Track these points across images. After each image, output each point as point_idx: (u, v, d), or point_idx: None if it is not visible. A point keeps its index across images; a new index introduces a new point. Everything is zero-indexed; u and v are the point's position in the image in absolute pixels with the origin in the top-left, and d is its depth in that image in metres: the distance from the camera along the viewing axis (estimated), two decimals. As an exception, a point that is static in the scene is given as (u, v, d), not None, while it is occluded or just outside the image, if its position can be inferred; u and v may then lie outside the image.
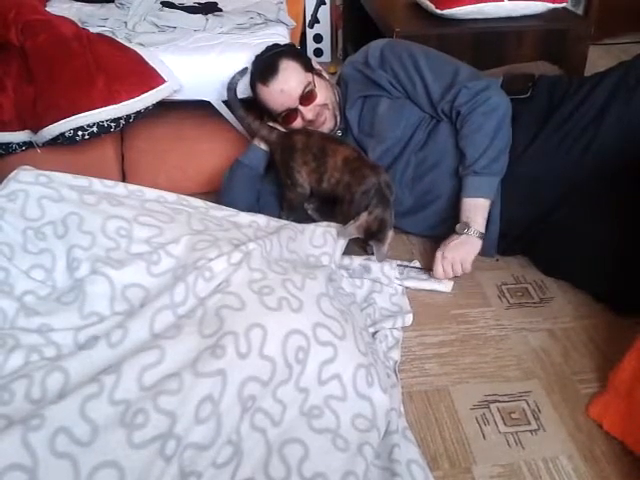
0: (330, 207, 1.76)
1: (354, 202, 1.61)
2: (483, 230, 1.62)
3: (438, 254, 1.63)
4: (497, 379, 1.38)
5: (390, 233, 1.61)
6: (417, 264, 1.73)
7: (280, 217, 1.76)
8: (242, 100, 1.89)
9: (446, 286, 1.66)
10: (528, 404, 1.32)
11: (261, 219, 1.54)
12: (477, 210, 1.62)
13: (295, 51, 1.89)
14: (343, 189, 1.66)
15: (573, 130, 1.60)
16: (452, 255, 1.61)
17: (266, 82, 1.77)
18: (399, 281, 1.65)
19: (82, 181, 1.35)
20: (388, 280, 1.64)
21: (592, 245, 1.54)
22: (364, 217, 1.56)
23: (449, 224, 1.71)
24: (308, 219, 1.86)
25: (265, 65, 1.79)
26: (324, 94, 1.80)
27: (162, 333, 1.09)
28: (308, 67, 1.80)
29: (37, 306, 1.13)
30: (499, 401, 1.33)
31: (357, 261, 1.67)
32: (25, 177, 1.29)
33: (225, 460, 1.01)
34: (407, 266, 1.72)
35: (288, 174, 1.74)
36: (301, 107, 1.77)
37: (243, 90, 1.92)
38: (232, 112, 1.93)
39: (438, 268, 1.63)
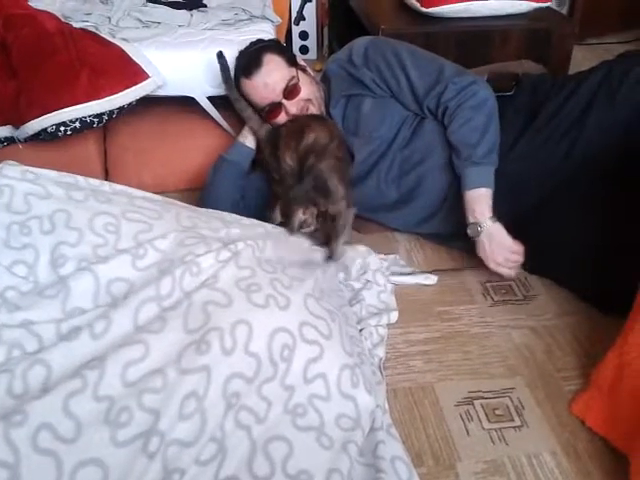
0: None
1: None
2: (492, 214, 1.56)
3: (491, 267, 1.58)
4: (481, 376, 1.39)
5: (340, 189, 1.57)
6: (400, 260, 1.73)
7: (267, 214, 1.76)
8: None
9: (431, 279, 1.67)
10: (512, 401, 1.32)
11: (247, 221, 1.52)
12: (481, 200, 1.57)
13: (279, 46, 1.89)
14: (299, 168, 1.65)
15: (557, 130, 1.61)
16: (496, 256, 1.56)
17: (250, 76, 1.76)
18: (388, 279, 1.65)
19: (68, 179, 1.34)
20: (383, 279, 1.63)
21: (576, 243, 1.55)
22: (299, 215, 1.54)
23: (436, 221, 1.72)
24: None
25: (249, 59, 1.79)
26: (308, 89, 1.80)
27: (146, 326, 1.08)
28: (292, 62, 1.80)
29: (19, 301, 1.11)
30: (483, 398, 1.33)
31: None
32: (11, 172, 1.27)
33: (209, 457, 1.01)
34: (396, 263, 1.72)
35: (275, 167, 1.72)
36: (285, 101, 1.76)
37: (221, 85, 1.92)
38: (229, 96, 1.91)
39: (506, 272, 1.58)
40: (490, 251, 1.56)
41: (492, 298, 1.62)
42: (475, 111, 1.62)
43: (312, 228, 1.55)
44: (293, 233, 1.53)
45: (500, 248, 1.55)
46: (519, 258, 1.57)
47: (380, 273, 1.62)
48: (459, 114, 1.62)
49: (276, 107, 1.77)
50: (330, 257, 1.55)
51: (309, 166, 1.60)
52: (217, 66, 1.85)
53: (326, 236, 1.56)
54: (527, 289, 1.65)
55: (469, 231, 1.58)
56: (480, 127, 1.61)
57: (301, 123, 1.71)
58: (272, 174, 1.74)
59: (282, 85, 1.75)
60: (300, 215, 1.52)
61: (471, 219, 1.57)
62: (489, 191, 1.58)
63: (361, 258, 1.66)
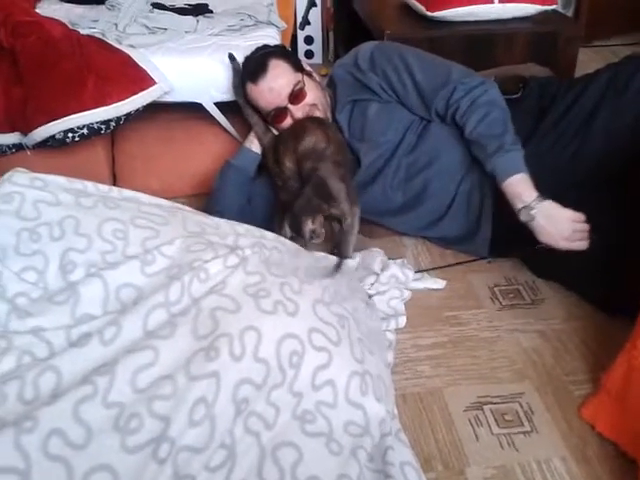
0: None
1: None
2: (538, 193, 1.50)
3: (563, 246, 1.48)
4: (490, 380, 1.39)
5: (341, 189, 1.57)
6: (407, 264, 1.73)
7: (275, 228, 1.76)
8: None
9: (439, 284, 1.67)
10: (521, 406, 1.32)
11: (256, 231, 1.52)
12: (523, 184, 1.52)
13: (285, 51, 1.90)
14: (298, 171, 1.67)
15: (564, 132, 1.61)
16: (563, 232, 1.48)
17: (256, 81, 1.77)
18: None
19: (77, 185, 1.34)
20: (405, 279, 1.63)
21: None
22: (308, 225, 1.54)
23: (443, 224, 1.72)
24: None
25: (255, 64, 1.80)
26: (314, 94, 1.80)
27: (156, 331, 1.08)
28: (298, 67, 1.81)
29: (29, 308, 1.12)
30: (492, 403, 1.33)
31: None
32: (20, 179, 1.27)
33: (219, 463, 1.01)
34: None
35: (278, 173, 1.73)
36: (290, 106, 1.77)
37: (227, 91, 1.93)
38: (238, 101, 1.92)
39: (580, 245, 1.48)
40: (554, 230, 1.48)
41: (500, 302, 1.62)
42: (491, 106, 1.61)
43: (322, 238, 1.55)
44: (307, 246, 1.53)
45: (562, 222, 1.48)
46: (585, 226, 1.48)
47: (396, 280, 1.62)
48: (475, 111, 1.61)
49: (282, 112, 1.78)
50: (341, 260, 1.54)
51: (307, 171, 1.61)
52: (224, 72, 1.86)
53: (335, 239, 1.56)
54: (535, 293, 1.65)
55: (522, 217, 1.51)
56: (500, 119, 1.60)
57: (299, 126, 1.72)
58: (276, 181, 1.75)
59: (288, 90, 1.75)
60: (310, 225, 1.53)
61: (519, 204, 1.51)
62: (526, 175, 1.53)
63: (380, 259, 1.67)
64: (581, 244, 1.48)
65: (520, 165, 1.55)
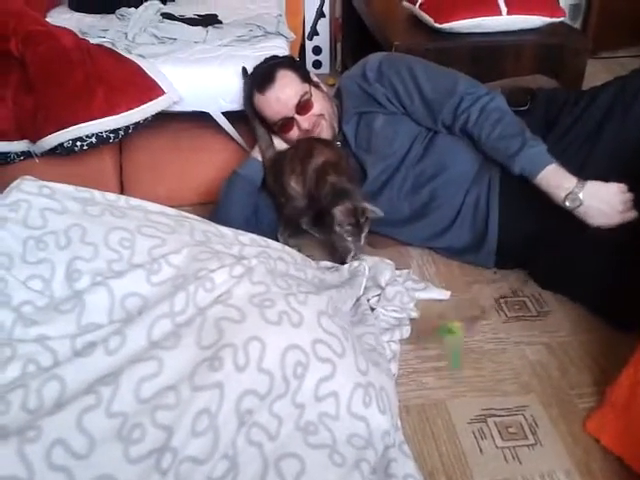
0: (324, 219, 1.76)
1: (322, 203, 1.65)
2: (576, 178, 1.49)
3: (619, 221, 1.47)
4: (494, 393, 1.38)
5: (367, 205, 1.62)
6: (412, 275, 1.72)
7: (278, 233, 1.80)
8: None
9: (444, 294, 1.66)
10: (525, 418, 1.31)
11: (261, 240, 1.53)
12: (558, 173, 1.51)
13: (293, 62, 1.91)
14: (316, 189, 1.69)
15: (571, 144, 1.60)
16: (616, 206, 1.47)
17: (263, 90, 1.78)
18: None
19: (84, 194, 1.35)
20: (409, 299, 1.62)
21: (590, 259, 1.54)
22: (336, 210, 1.59)
23: (449, 235, 1.72)
24: (304, 234, 1.87)
25: (263, 74, 1.81)
26: (321, 104, 1.81)
27: (160, 342, 1.08)
28: (305, 78, 1.82)
29: (35, 316, 1.12)
30: (496, 415, 1.32)
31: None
32: (28, 187, 1.28)
33: (221, 474, 1.01)
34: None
35: (281, 191, 1.75)
36: (297, 116, 1.78)
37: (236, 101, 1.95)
38: (246, 110, 1.93)
39: (633, 214, 1.47)
40: (605, 208, 1.47)
41: (505, 314, 1.62)
42: (501, 112, 1.62)
43: (348, 228, 1.61)
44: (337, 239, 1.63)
45: (612, 196, 1.47)
46: (630, 195, 1.47)
47: (401, 296, 1.62)
48: (487, 117, 1.62)
49: (288, 122, 1.79)
50: (354, 256, 1.62)
51: (328, 183, 1.64)
52: (232, 82, 1.88)
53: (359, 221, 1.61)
54: (541, 305, 1.64)
55: (570, 205, 1.49)
56: (515, 122, 1.60)
57: (306, 148, 1.74)
58: (279, 198, 1.77)
59: (295, 100, 1.76)
60: (339, 214, 1.59)
61: (562, 192, 1.49)
62: (557, 164, 1.52)
63: (390, 273, 1.67)
64: (632, 214, 1.48)
65: (548, 157, 1.53)
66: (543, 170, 1.52)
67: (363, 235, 1.65)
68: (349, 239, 1.65)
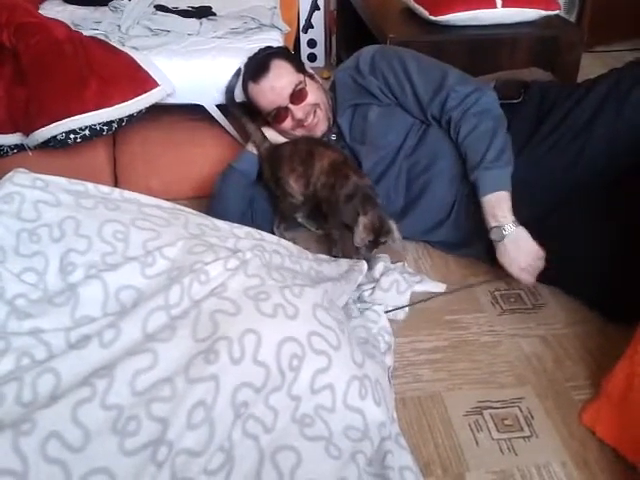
0: (320, 213, 1.76)
1: (339, 206, 1.63)
2: (514, 217, 1.53)
3: (514, 273, 1.54)
4: (490, 385, 1.38)
5: (394, 226, 1.61)
6: (407, 268, 1.72)
7: (274, 226, 1.80)
8: (240, 104, 1.91)
9: (439, 287, 1.67)
10: (521, 410, 1.32)
11: (256, 233, 1.52)
12: (501, 204, 1.55)
13: (287, 52, 1.91)
14: (328, 191, 1.67)
15: (564, 137, 1.60)
16: (520, 261, 1.53)
17: (257, 80, 1.78)
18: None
19: (78, 186, 1.34)
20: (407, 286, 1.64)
21: (584, 252, 1.54)
22: (362, 220, 1.56)
23: (444, 228, 1.72)
24: (300, 227, 1.87)
25: (257, 64, 1.81)
26: (315, 94, 1.81)
27: (155, 334, 1.08)
28: (300, 68, 1.82)
29: (29, 309, 1.11)
30: (492, 407, 1.32)
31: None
32: (21, 180, 1.27)
33: (217, 467, 1.00)
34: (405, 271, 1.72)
35: (278, 186, 1.75)
36: (291, 106, 1.77)
37: (239, 94, 1.93)
38: (230, 110, 1.93)
39: (528, 279, 1.55)
40: (514, 256, 1.53)
41: (501, 307, 1.62)
42: (480, 117, 1.62)
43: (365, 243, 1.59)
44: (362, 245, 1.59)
45: (525, 253, 1.53)
46: (542, 264, 1.54)
47: (397, 285, 1.62)
48: (464, 123, 1.63)
49: (282, 111, 1.78)
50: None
51: (351, 181, 1.64)
52: (226, 74, 1.87)
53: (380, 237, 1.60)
54: (536, 298, 1.65)
55: (492, 235, 1.55)
56: (488, 132, 1.61)
57: (307, 150, 1.73)
58: (275, 192, 1.76)
59: (289, 90, 1.76)
60: (363, 222, 1.56)
61: (493, 222, 1.55)
62: (507, 193, 1.56)
63: (383, 264, 1.68)
64: (529, 278, 1.55)
65: (500, 183, 1.57)
66: (488, 195, 1.56)
67: (375, 250, 1.64)
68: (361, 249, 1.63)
